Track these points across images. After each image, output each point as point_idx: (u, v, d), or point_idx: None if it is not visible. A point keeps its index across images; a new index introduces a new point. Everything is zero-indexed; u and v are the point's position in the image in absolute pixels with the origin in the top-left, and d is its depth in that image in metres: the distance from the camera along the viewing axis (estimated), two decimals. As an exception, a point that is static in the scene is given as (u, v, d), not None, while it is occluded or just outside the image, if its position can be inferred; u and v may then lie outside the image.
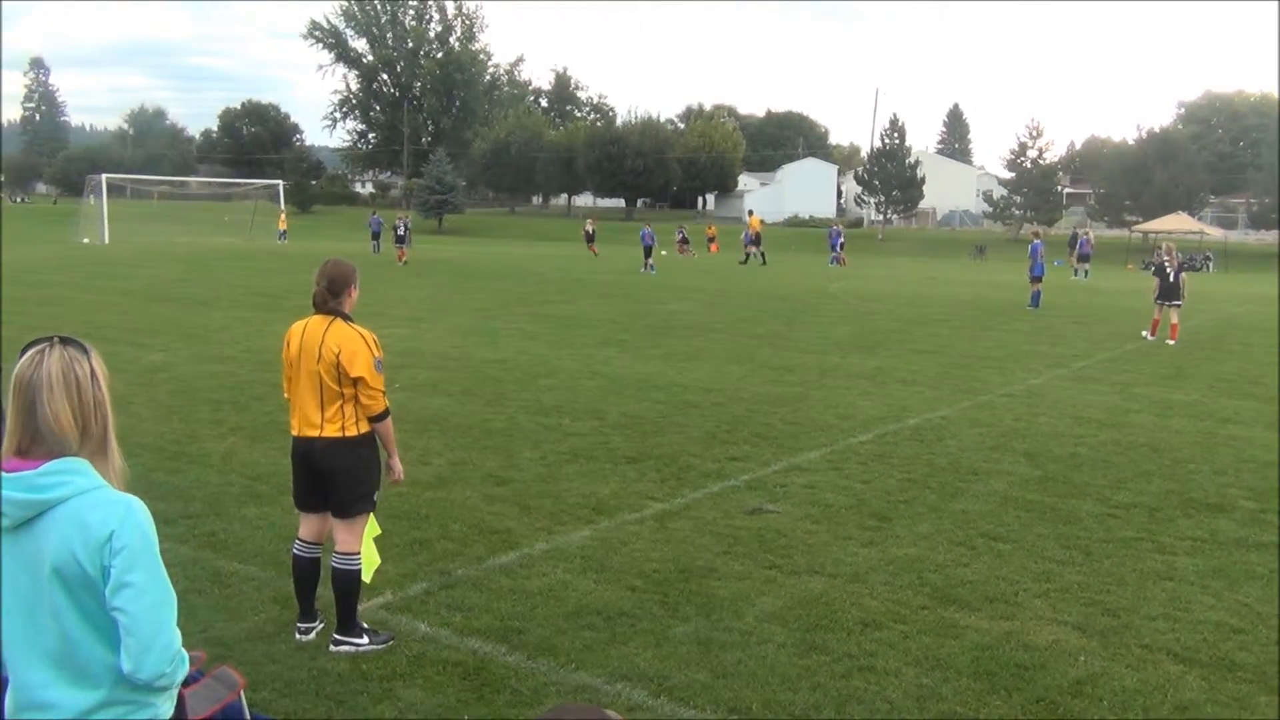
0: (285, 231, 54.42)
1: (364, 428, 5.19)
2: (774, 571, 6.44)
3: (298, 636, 5.31)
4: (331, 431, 5.12)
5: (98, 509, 2.26)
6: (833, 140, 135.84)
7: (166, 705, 2.45)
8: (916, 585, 6.26)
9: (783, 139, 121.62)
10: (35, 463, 2.25)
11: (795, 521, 7.45)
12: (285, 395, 5.39)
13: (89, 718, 2.29)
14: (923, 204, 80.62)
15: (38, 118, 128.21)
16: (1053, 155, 72.00)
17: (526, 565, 6.48)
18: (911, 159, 77.23)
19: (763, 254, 43.06)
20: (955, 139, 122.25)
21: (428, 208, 76.40)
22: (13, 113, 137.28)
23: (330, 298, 5.16)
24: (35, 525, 2.24)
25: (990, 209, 74.33)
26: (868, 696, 4.86)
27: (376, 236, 44.45)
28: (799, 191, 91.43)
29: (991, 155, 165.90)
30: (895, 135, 77.53)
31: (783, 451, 9.58)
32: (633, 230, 54.00)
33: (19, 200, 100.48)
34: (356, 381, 5.07)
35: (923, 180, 75.94)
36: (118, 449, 2.41)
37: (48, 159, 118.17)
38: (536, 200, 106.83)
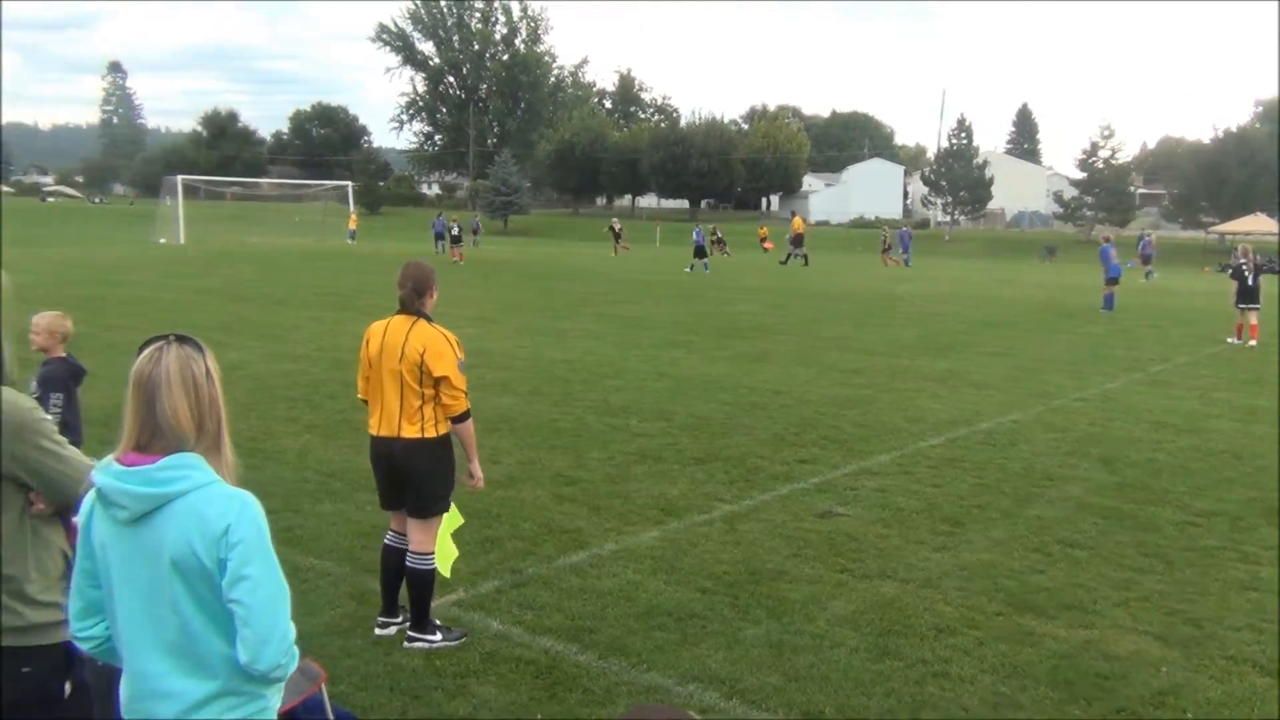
0: (355, 232, 55.17)
1: (444, 429, 5.22)
2: (845, 575, 6.39)
3: (377, 631, 5.38)
4: (411, 432, 5.16)
5: (214, 503, 2.32)
6: (899, 141, 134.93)
7: (275, 698, 2.49)
8: (991, 591, 6.17)
9: (848, 140, 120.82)
10: (153, 458, 2.30)
11: (866, 525, 7.39)
12: (360, 395, 5.45)
13: (204, 708, 2.35)
14: (991, 205, 79.62)
15: (115, 120, 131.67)
16: (1125, 155, 70.70)
17: (596, 565, 6.50)
18: (979, 159, 76.33)
19: (805, 255, 42.96)
20: (1024, 139, 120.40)
21: (493, 209, 77.05)
22: (91, 116, 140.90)
23: (417, 298, 5.21)
24: (154, 519, 2.30)
25: (1061, 210, 73.11)
26: (943, 703, 4.81)
27: (440, 237, 44.95)
28: (864, 192, 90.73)
29: (1062, 155, 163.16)
30: (963, 135, 76.67)
31: (852, 454, 9.50)
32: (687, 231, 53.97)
33: (97, 201, 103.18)
34: (439, 381, 5.10)
35: (991, 181, 74.97)
36: (231, 445, 2.46)
37: (125, 161, 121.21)
38: (600, 201, 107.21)
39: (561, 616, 5.68)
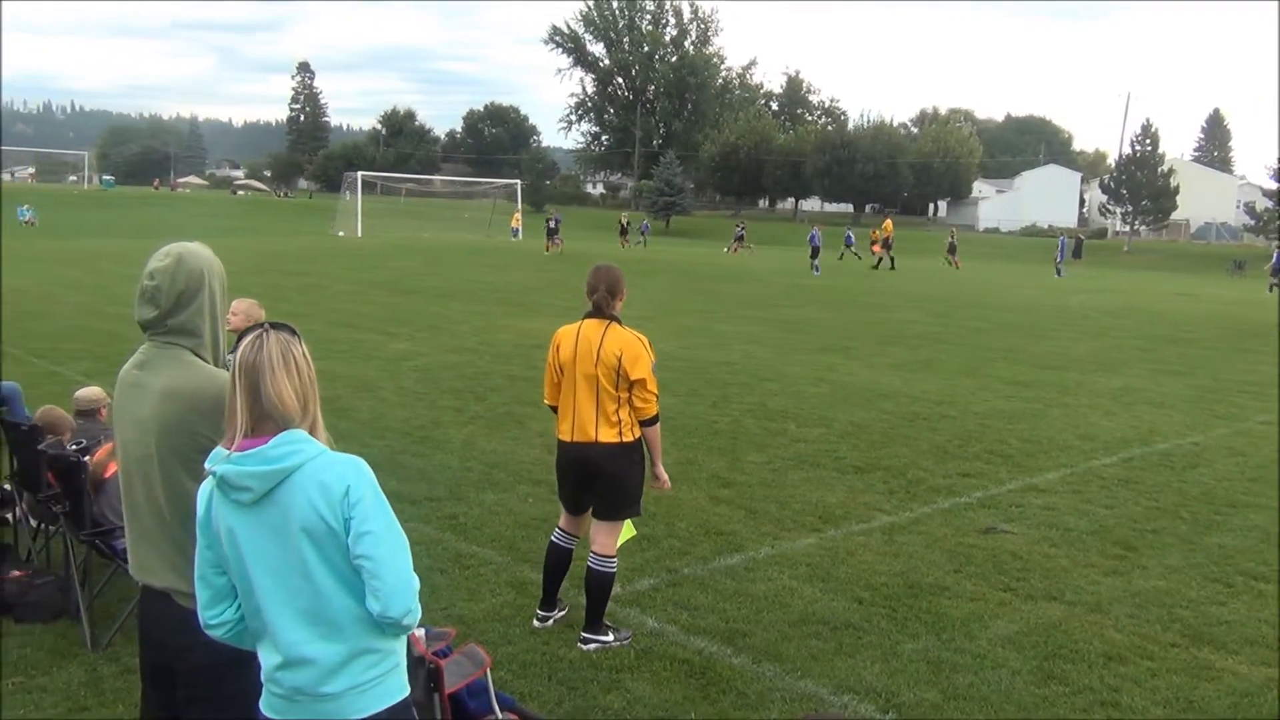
0: (519, 229, 56.42)
1: (638, 433, 5.25)
2: (1009, 594, 6.21)
3: (535, 623, 5.49)
4: (609, 437, 5.18)
5: (330, 468, 2.43)
6: (1077, 147, 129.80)
7: (403, 657, 2.60)
8: (1166, 621, 5.89)
9: (1022, 144, 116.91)
10: (263, 440, 2.43)
11: (1032, 544, 7.15)
12: (547, 400, 5.50)
13: (342, 670, 2.46)
14: (1175, 215, 75.74)
15: (302, 118, 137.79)
16: (1329, 165, 66.03)
17: (752, 569, 6.49)
18: (1164, 167, 72.70)
19: (892, 259, 41.98)
20: (1215, 146, 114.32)
21: (656, 209, 77.64)
22: (280, 113, 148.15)
23: (610, 301, 5.24)
24: (276, 494, 2.42)
25: (1252, 222, 68.96)
26: (1111, 734, 4.61)
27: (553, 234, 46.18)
28: (1038, 200, 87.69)
29: (1256, 164, 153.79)
30: (1147, 142, 73.15)
31: (1019, 470, 9.21)
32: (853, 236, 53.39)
33: (282, 195, 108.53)
34: (635, 385, 5.13)
35: (1176, 190, 71.35)
36: (323, 424, 2.57)
37: (309, 157, 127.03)
38: (763, 204, 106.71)
39: (716, 618, 5.69)
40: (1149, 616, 5.94)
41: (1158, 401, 12.95)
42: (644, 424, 5.23)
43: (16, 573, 5.66)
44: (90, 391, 6.63)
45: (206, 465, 2.49)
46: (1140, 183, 71.74)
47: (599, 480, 5.27)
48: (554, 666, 5.04)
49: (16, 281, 22.89)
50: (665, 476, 5.47)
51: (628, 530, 5.46)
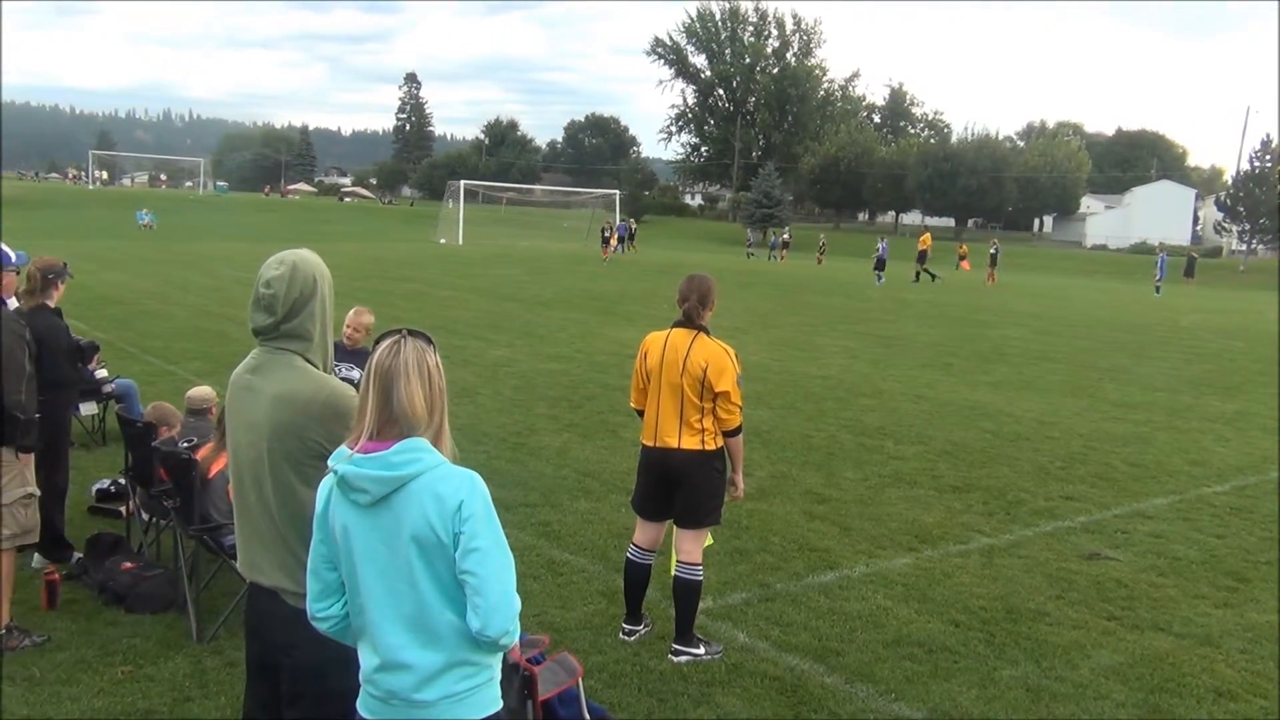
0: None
1: (720, 442, 5.26)
2: (1113, 624, 6.01)
3: (622, 637, 5.50)
4: (690, 444, 5.21)
5: (447, 481, 2.46)
6: (1191, 162, 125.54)
7: (497, 671, 2.62)
8: (1280, 657, 5.65)
9: (1134, 159, 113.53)
10: (387, 444, 2.47)
11: (1138, 572, 6.92)
12: (633, 404, 5.55)
13: (438, 678, 2.49)
14: (1295, 234, 72.75)
15: (408, 128, 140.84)
16: None
17: (846, 587, 6.41)
18: (1286, 184, 69.93)
19: (929, 271, 40.39)
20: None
21: (753, 220, 77.35)
22: (387, 122, 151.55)
23: (700, 311, 5.27)
24: (392, 500, 2.45)
25: (1379, 242, 65.98)
26: (1220, 773, 4.43)
27: (621, 239, 49.20)
28: (1150, 216, 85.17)
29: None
30: (1268, 157, 70.47)
31: (1124, 495, 8.93)
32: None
33: (387, 202, 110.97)
34: (719, 396, 5.14)
35: (1297, 208, 68.56)
36: (450, 434, 2.60)
37: (414, 165, 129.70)
38: (863, 217, 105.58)
39: (808, 635, 5.62)
40: (1262, 652, 5.70)
41: (1274, 428, 12.44)
42: (727, 434, 5.26)
43: (128, 564, 5.87)
44: (202, 391, 6.85)
45: (329, 463, 2.54)
46: (1259, 200, 69.20)
47: (680, 487, 5.29)
48: (644, 678, 5.04)
49: (134, 282, 23.81)
50: (743, 486, 5.50)
51: (707, 540, 5.45)
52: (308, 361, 2.99)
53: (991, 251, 44.84)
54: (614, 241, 46.18)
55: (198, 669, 4.92)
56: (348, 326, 7.78)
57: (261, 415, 2.91)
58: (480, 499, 2.45)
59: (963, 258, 53.11)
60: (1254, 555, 7.43)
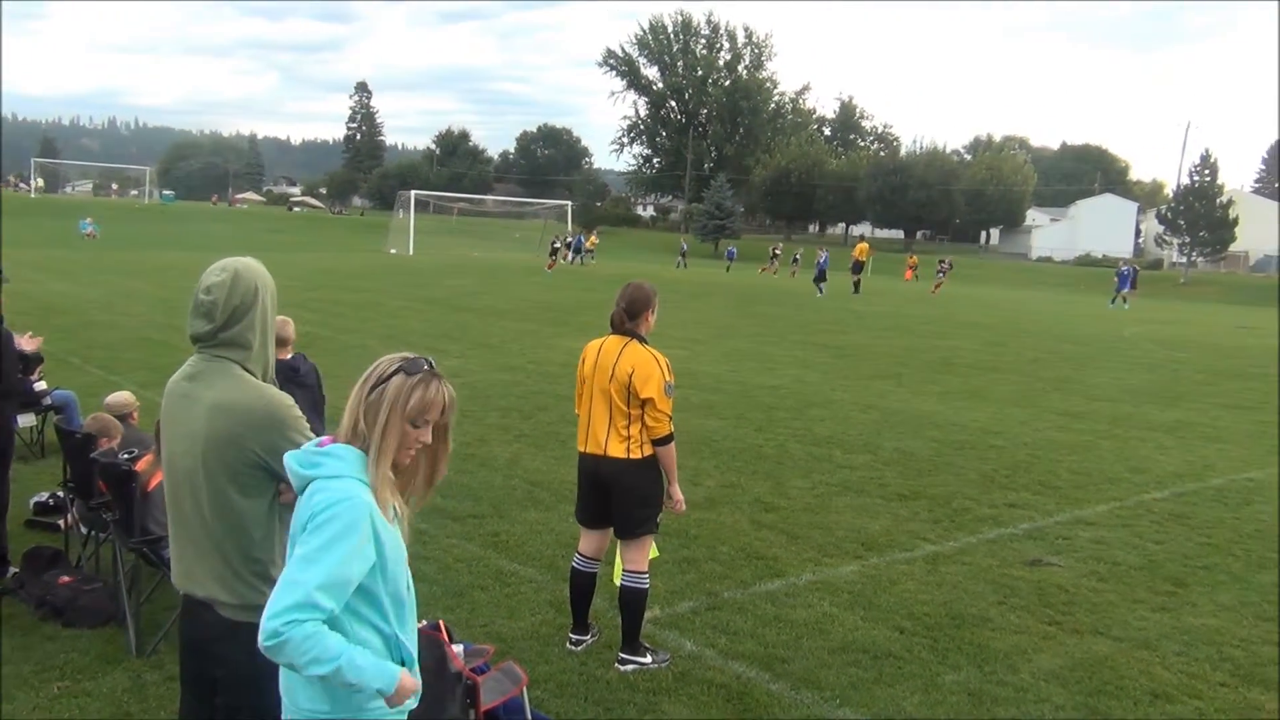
0: (593, 251, 56.57)
1: (649, 450, 5.25)
2: (1054, 628, 6.11)
3: (569, 647, 5.49)
4: (617, 451, 5.22)
5: (326, 491, 2.42)
6: (1134, 176, 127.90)
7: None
8: (1215, 659, 5.76)
9: (1078, 173, 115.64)
10: (327, 442, 2.52)
11: (1079, 578, 7.04)
12: (576, 410, 5.58)
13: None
14: (1234, 246, 74.40)
15: (359, 137, 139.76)
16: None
17: (792, 595, 6.45)
18: (1224, 198, 71.54)
19: (856, 282, 39.72)
20: (1276, 177, 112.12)
21: (706, 232, 77.72)
22: (338, 132, 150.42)
23: (628, 319, 5.28)
24: (302, 495, 2.48)
25: (1315, 255, 67.54)
26: (1156, 774, 4.52)
27: (577, 251, 49.62)
28: (1093, 229, 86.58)
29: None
30: (1206, 172, 72.05)
31: (1067, 502, 9.07)
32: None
33: (337, 212, 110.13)
34: (645, 403, 5.14)
35: (1235, 221, 70.15)
36: (386, 468, 2.51)
37: (364, 175, 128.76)
38: (813, 229, 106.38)
39: (755, 643, 5.65)
40: (1198, 655, 5.82)
41: (1214, 436, 12.71)
42: (655, 443, 5.22)
43: (67, 578, 5.77)
44: (121, 396, 6.77)
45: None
46: (1198, 213, 70.62)
47: (612, 495, 5.29)
48: (591, 687, 5.04)
49: (79, 291, 23.42)
50: (679, 497, 5.39)
51: (651, 550, 5.44)
52: (247, 370, 2.96)
53: (943, 264, 45.25)
54: (565, 254, 46.38)
55: (137, 684, 4.84)
56: None
57: (198, 424, 2.88)
58: (335, 510, 2.38)
59: (912, 267, 53.77)
60: (1191, 560, 7.58)
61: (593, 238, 59.36)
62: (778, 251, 58.06)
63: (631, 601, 5.30)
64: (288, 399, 2.92)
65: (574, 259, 49.84)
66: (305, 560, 2.32)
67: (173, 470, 2.97)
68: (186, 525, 2.94)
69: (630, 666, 5.24)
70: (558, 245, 45.84)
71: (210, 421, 2.86)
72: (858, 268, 40.77)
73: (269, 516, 2.90)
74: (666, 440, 5.23)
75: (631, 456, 5.22)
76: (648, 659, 5.29)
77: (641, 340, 5.29)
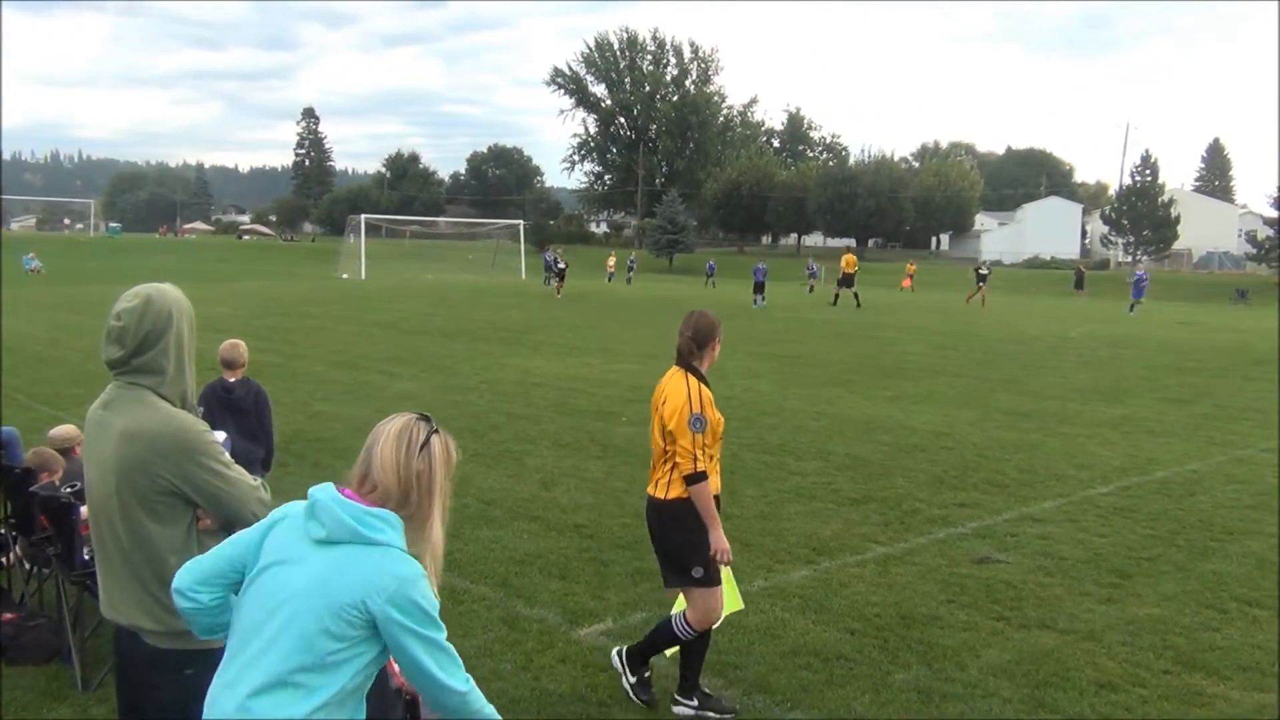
0: (614, 273, 55.69)
1: (678, 490, 4.80)
2: (1001, 624, 6.20)
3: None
4: (651, 490, 4.93)
5: (405, 564, 2.40)
6: (1078, 178, 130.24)
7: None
8: (1159, 648, 5.88)
9: (1024, 177, 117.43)
10: (365, 501, 2.43)
11: (1026, 573, 7.15)
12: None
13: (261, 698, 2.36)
14: (1176, 245, 75.92)
15: (307, 163, 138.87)
16: (1329, 192, 66.13)
17: (744, 601, 6.47)
18: (1165, 197, 73.02)
19: (856, 294, 38.16)
20: (1215, 176, 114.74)
21: (659, 247, 77.95)
22: (286, 159, 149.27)
23: (695, 350, 4.96)
24: (336, 550, 2.37)
25: (1254, 250, 69.02)
26: (1100, 761, 4.60)
27: (548, 269, 46.25)
28: (1040, 231, 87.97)
29: (1258, 193, 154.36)
30: (1148, 172, 73.51)
31: (1014, 500, 9.21)
32: (864, 271, 53.54)
33: (287, 239, 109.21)
34: (668, 435, 4.77)
35: (1177, 219, 71.62)
36: (440, 531, 2.54)
37: (314, 201, 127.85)
38: (766, 240, 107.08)
39: (709, 651, 5.67)
40: (1142, 644, 5.93)
41: (1157, 430, 12.94)
42: (685, 481, 4.74)
43: (10, 615, 5.69)
44: (64, 430, 6.70)
45: (311, 490, 2.44)
46: (1141, 213, 72.02)
47: (651, 537, 5.02)
48: (543, 701, 5.05)
49: (25, 328, 23.04)
50: (723, 545, 4.81)
51: (732, 601, 5.06)
52: (161, 397, 2.93)
53: (982, 272, 44.30)
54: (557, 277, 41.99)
55: (83, 718, 4.79)
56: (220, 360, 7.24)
57: (109, 452, 2.86)
58: (403, 606, 2.37)
59: (910, 276, 53.97)
60: (1136, 552, 7.72)
61: (611, 260, 57.81)
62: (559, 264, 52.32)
63: (666, 631, 4.99)
64: (200, 424, 2.90)
65: (547, 281, 45.51)
66: (448, 655, 2.62)
67: (92, 499, 2.96)
68: (107, 554, 2.92)
69: (681, 709, 4.96)
70: (563, 266, 41.86)
71: (119, 449, 2.84)
72: (848, 280, 39.15)
73: (186, 542, 2.87)
74: (694, 479, 4.72)
75: (656, 496, 4.87)
76: (694, 702, 4.95)
77: (695, 371, 4.93)
